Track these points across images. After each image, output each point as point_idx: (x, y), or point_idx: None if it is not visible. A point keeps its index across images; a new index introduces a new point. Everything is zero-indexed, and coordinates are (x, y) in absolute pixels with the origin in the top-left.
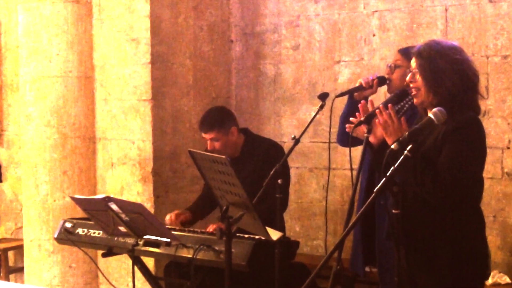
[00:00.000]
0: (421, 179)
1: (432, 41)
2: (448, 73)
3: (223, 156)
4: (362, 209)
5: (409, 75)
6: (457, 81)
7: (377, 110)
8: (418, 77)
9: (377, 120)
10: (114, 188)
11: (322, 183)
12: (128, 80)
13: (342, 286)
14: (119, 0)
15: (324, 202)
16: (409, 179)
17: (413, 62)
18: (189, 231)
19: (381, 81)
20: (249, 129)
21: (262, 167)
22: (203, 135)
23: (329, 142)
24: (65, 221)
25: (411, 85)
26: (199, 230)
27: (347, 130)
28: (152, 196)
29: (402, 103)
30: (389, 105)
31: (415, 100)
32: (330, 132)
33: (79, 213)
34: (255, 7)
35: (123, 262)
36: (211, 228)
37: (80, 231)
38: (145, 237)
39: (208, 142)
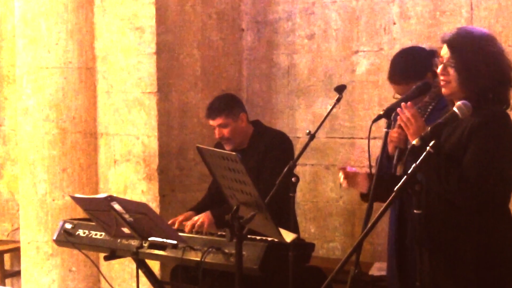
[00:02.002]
0: (445, 178)
1: (463, 31)
2: (482, 69)
3: (233, 153)
4: (382, 210)
5: (440, 67)
6: (490, 76)
7: (398, 109)
8: (450, 70)
9: (398, 117)
10: (117, 187)
11: (339, 181)
12: (132, 71)
13: None
14: None
15: (341, 202)
16: (432, 177)
17: (445, 53)
18: (196, 233)
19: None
20: (261, 121)
21: (264, 157)
22: (211, 122)
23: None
24: (64, 222)
25: (442, 78)
26: (207, 232)
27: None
28: (157, 195)
29: (429, 107)
30: (409, 103)
31: (443, 90)
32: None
33: (80, 213)
34: None
35: (126, 265)
36: (188, 224)
37: (80, 232)
38: (150, 239)
39: (216, 129)
